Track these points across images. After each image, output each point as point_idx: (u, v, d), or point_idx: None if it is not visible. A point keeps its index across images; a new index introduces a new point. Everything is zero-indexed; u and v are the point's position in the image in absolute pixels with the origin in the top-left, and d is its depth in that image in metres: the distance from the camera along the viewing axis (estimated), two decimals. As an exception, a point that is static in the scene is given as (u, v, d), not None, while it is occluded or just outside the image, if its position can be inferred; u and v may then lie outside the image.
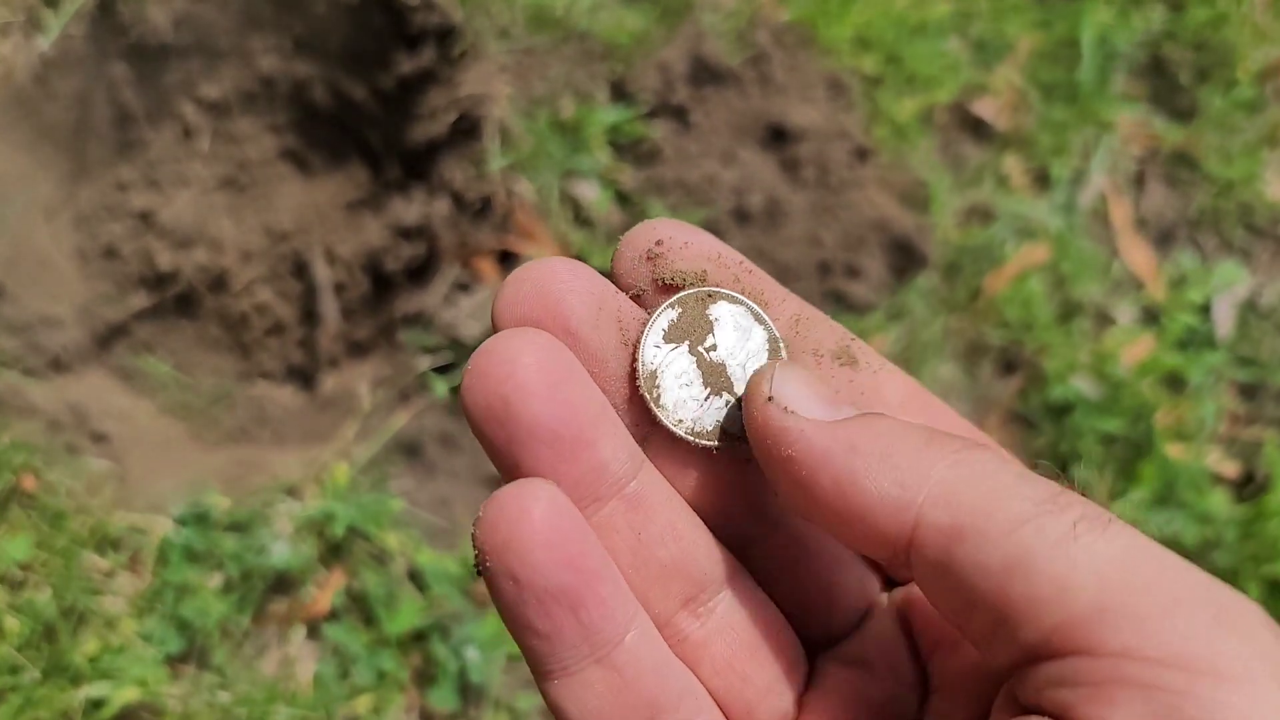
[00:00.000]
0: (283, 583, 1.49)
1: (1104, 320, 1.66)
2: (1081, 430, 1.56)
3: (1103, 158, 1.76)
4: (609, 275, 0.44)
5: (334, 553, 1.50)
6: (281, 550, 1.48)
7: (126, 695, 1.40)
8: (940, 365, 1.62)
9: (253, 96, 1.80)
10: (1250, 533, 1.49)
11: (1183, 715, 0.30)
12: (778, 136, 1.69)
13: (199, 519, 1.51)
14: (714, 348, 0.43)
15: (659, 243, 0.43)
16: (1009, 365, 1.64)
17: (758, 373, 0.40)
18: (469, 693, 1.42)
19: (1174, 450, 1.56)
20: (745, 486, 0.43)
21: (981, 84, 1.81)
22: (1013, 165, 1.77)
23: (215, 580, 1.48)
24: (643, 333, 0.43)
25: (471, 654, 1.42)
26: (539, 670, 0.40)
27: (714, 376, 0.43)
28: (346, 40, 1.76)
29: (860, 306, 1.61)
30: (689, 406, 0.43)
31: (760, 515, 0.44)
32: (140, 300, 1.77)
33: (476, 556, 0.38)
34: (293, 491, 1.56)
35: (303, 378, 1.79)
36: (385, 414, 1.63)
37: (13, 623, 1.42)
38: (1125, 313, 1.67)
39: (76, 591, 1.45)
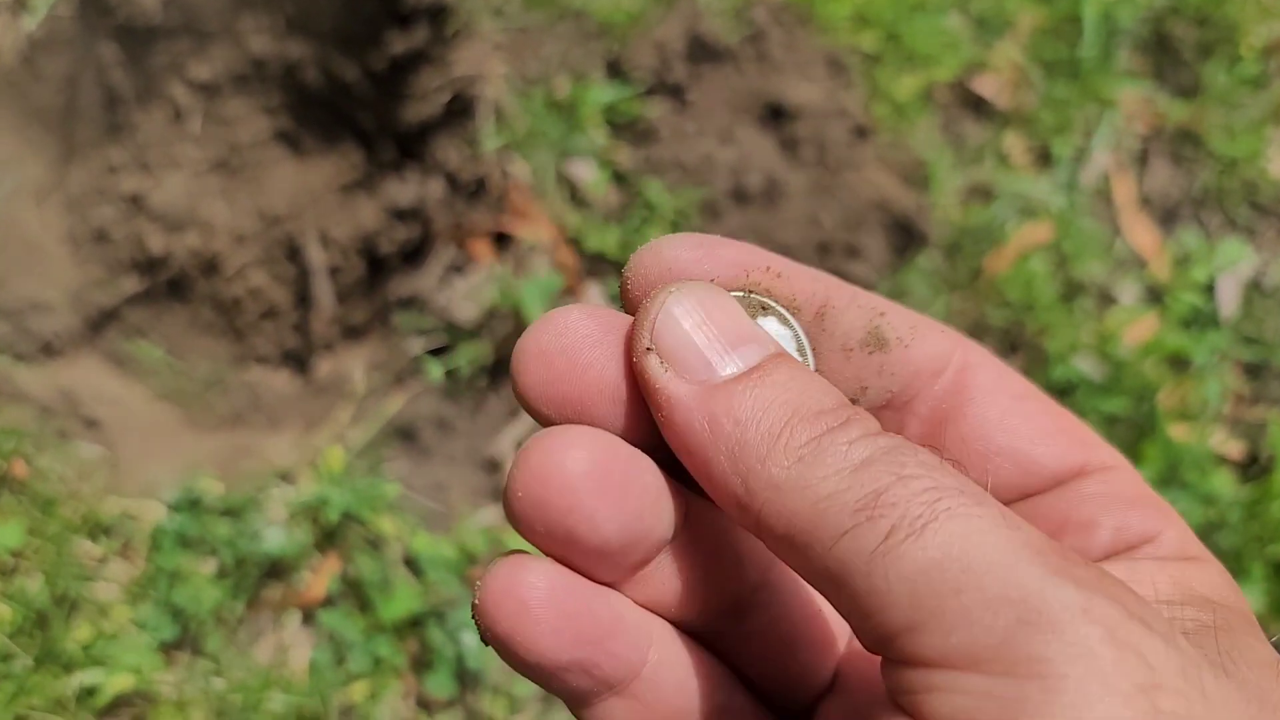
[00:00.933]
0: (277, 569, 1.48)
1: (1106, 300, 1.65)
2: (1084, 411, 1.54)
3: (1105, 135, 1.74)
4: (622, 298, 0.41)
5: (328, 538, 1.49)
6: (275, 536, 1.47)
7: (120, 682, 1.39)
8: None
9: (244, 78, 1.77)
10: (1254, 514, 1.48)
11: (983, 716, 0.30)
12: (776, 115, 1.67)
13: (192, 505, 1.49)
14: None
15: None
16: (1011, 346, 1.62)
17: (646, 303, 0.38)
18: (466, 679, 1.41)
19: (1178, 431, 1.54)
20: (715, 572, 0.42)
21: (982, 61, 1.79)
22: (1014, 143, 1.75)
23: (209, 566, 1.47)
24: None
25: (468, 640, 1.41)
26: (563, 701, 0.40)
27: None
28: (338, 20, 1.73)
29: (861, 286, 1.60)
30: None
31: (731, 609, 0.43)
32: (132, 284, 1.75)
33: (482, 635, 0.38)
34: (287, 476, 1.54)
35: (297, 362, 1.77)
36: (380, 398, 1.61)
37: (4, 610, 1.40)
38: (1128, 292, 1.65)
39: (69, 578, 1.44)
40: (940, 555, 0.31)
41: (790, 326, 0.41)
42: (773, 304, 0.41)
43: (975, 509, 0.32)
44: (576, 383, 0.39)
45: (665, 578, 0.41)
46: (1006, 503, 0.41)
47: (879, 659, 0.35)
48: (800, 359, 0.41)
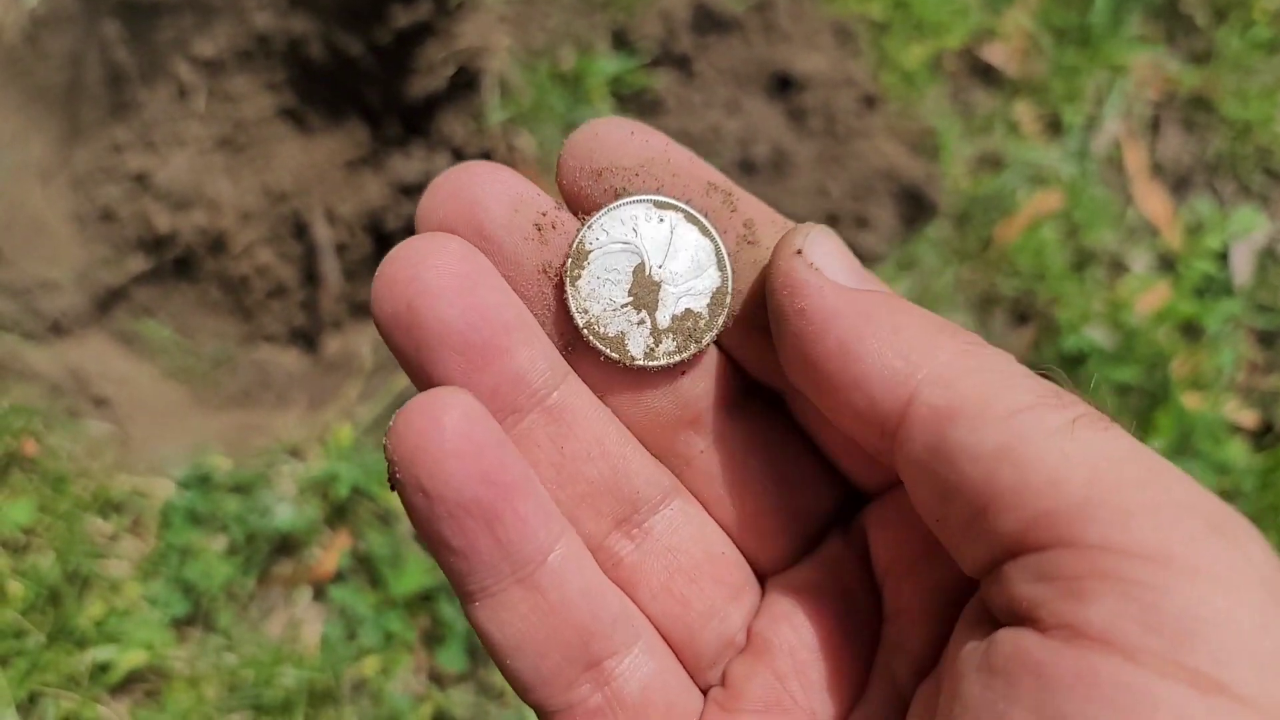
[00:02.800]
0: (287, 544, 1.48)
1: (1118, 269, 1.63)
2: (1096, 380, 1.53)
3: (1116, 102, 1.72)
4: (561, 187, 0.42)
5: (338, 514, 1.49)
6: (285, 512, 1.47)
7: (133, 658, 1.39)
8: (952, 316, 1.59)
9: (248, 54, 1.76)
10: (1269, 482, 1.47)
11: (1160, 612, 0.28)
12: (783, 85, 1.66)
13: (201, 481, 1.49)
14: (657, 265, 0.41)
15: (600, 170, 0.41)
16: (1022, 315, 1.61)
17: (791, 230, 0.39)
18: (478, 653, 1.41)
19: (1191, 400, 1.53)
20: (677, 400, 0.41)
21: (991, 29, 1.76)
22: (1024, 112, 1.73)
23: (219, 543, 1.47)
24: (581, 227, 0.41)
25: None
26: (460, 591, 0.38)
27: (643, 290, 0.41)
28: (341, -6, 1.72)
29: (870, 257, 1.58)
30: (600, 304, 0.41)
31: (696, 431, 0.42)
32: (139, 263, 1.74)
33: (389, 468, 0.36)
34: (296, 452, 1.54)
35: (305, 339, 1.77)
36: (388, 374, 1.61)
37: (17, 587, 1.41)
38: (1140, 260, 1.64)
39: (80, 555, 1.44)
40: (1129, 448, 0.31)
41: (711, 239, 0.41)
42: (688, 209, 0.41)
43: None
44: (459, 210, 0.39)
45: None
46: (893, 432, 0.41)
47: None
48: (719, 272, 0.41)
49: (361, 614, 1.42)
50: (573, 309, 0.40)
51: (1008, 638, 0.31)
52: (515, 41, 1.67)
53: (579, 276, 0.40)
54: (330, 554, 1.47)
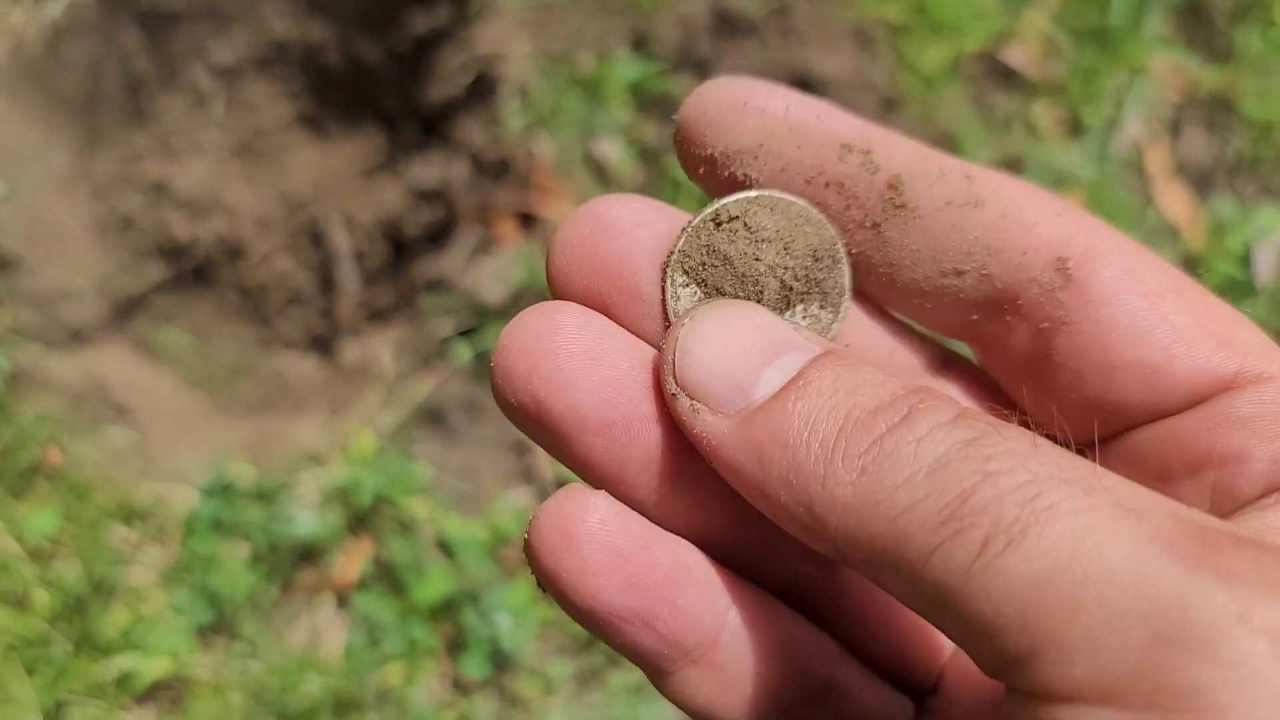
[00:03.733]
0: (310, 552, 1.48)
1: (1140, 270, 1.63)
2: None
3: (1136, 104, 1.71)
4: (687, 173, 0.38)
5: (361, 521, 1.49)
6: (308, 520, 1.47)
7: (157, 667, 1.40)
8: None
9: (266, 61, 1.77)
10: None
11: None
12: (803, 89, 1.65)
13: (224, 489, 1.49)
14: (766, 266, 0.37)
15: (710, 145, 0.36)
16: (1043, 318, 1.60)
17: (662, 344, 0.34)
18: (501, 660, 1.41)
19: (1214, 402, 1.52)
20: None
21: (1010, 31, 1.76)
22: (1043, 113, 1.72)
23: (242, 551, 1.47)
24: (668, 259, 0.36)
25: (503, 621, 1.41)
26: (640, 668, 0.36)
27: (753, 293, 0.37)
28: (359, 0, 1.72)
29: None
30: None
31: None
32: (159, 271, 1.75)
33: (535, 577, 0.35)
34: (318, 460, 1.54)
35: (324, 346, 1.77)
36: (409, 381, 1.61)
37: (42, 596, 1.41)
38: (1162, 262, 1.63)
39: (104, 564, 1.44)
40: (1048, 566, 0.25)
41: (828, 230, 0.37)
42: (799, 201, 0.37)
43: (1083, 500, 0.26)
44: (596, 275, 0.36)
45: (716, 510, 0.36)
46: (1136, 425, 0.35)
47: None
48: (838, 266, 0.37)
49: (385, 621, 1.42)
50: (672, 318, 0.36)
51: None
52: (534, 47, 1.67)
53: (678, 288, 0.36)
54: (353, 561, 1.47)
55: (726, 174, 0.37)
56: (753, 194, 0.37)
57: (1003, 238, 0.36)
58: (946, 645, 0.40)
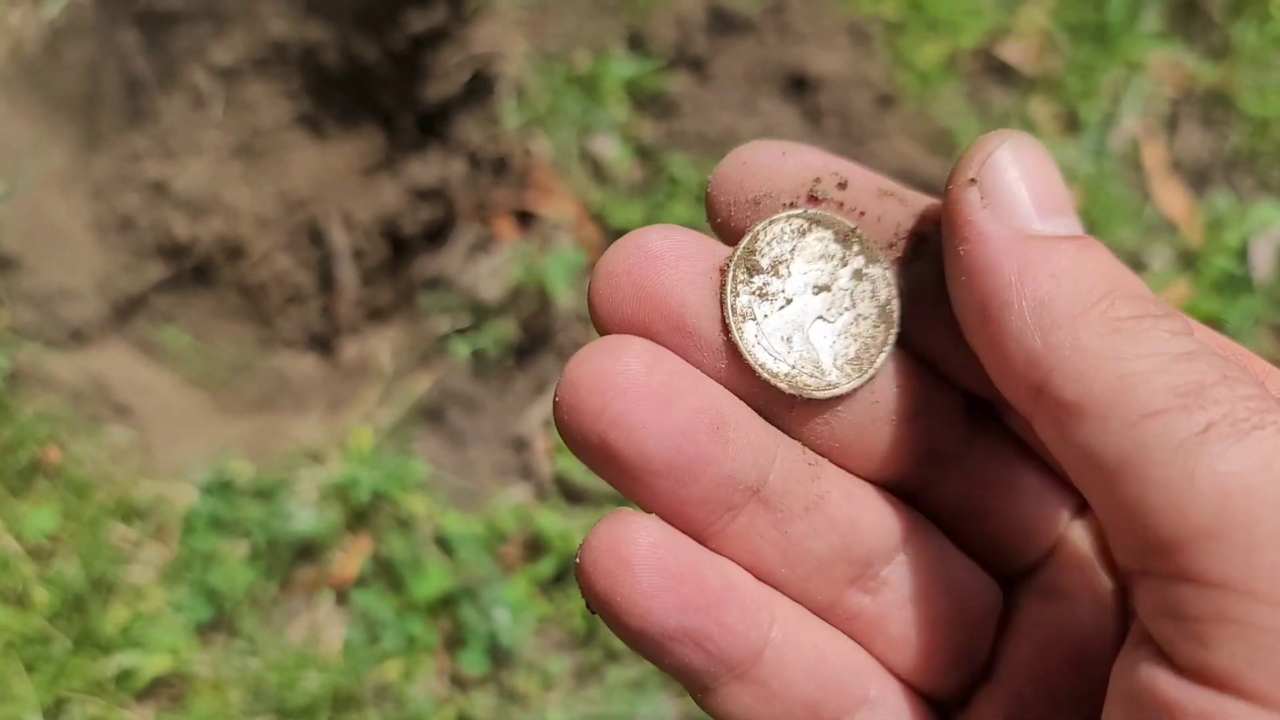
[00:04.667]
0: (309, 549, 1.48)
1: (1138, 265, 1.63)
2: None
3: (1133, 99, 1.72)
4: (714, 225, 0.39)
5: (359, 518, 1.49)
6: (307, 517, 1.47)
7: (157, 664, 1.40)
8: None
9: (264, 61, 1.77)
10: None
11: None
12: (798, 86, 1.66)
13: (223, 487, 1.50)
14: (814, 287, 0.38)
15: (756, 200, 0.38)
16: (1040, 314, 1.60)
17: (978, 142, 0.35)
18: (500, 656, 1.41)
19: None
20: (903, 433, 0.38)
21: (1006, 27, 1.76)
22: (1040, 109, 1.72)
23: (241, 548, 1.48)
24: (725, 270, 0.37)
25: (501, 617, 1.41)
26: (682, 685, 0.37)
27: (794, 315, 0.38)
28: (357, 0, 1.73)
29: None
30: (773, 347, 0.37)
31: (928, 459, 0.38)
32: (158, 271, 1.76)
33: (585, 598, 0.36)
34: (316, 457, 1.55)
35: (323, 345, 1.78)
36: (407, 378, 1.62)
37: (42, 593, 1.42)
38: (1159, 257, 1.63)
39: (104, 562, 1.45)
40: (1263, 463, 0.27)
41: (878, 261, 0.38)
42: (858, 229, 0.38)
43: None
44: (641, 306, 0.36)
45: (764, 539, 0.37)
46: None
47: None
48: (888, 298, 0.38)
49: (383, 618, 1.42)
50: (741, 349, 0.37)
51: (1145, 670, 0.29)
52: (530, 45, 1.67)
53: (737, 315, 0.37)
54: (351, 558, 1.47)
55: (766, 215, 0.38)
56: (813, 210, 0.38)
57: None
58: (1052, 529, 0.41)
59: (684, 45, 1.66)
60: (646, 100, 1.67)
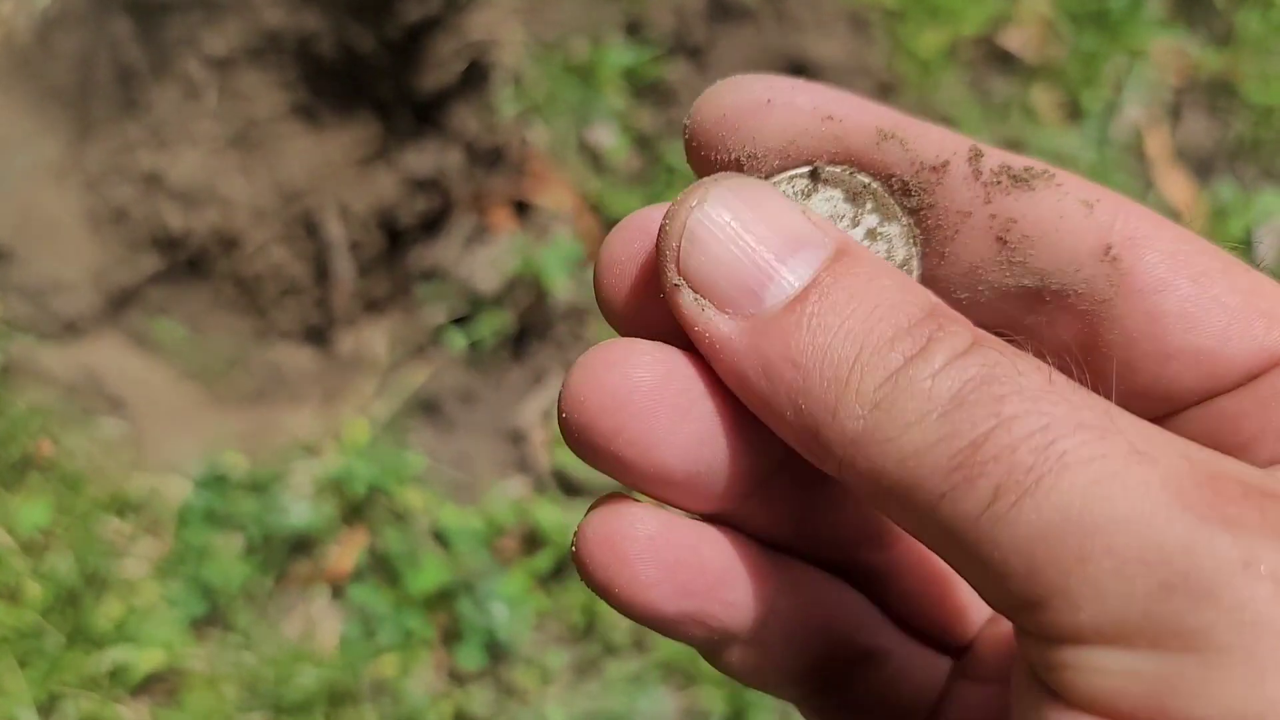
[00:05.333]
0: (304, 543, 1.47)
1: (1140, 255, 1.61)
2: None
3: (1136, 87, 1.70)
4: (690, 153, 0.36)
5: (355, 512, 1.48)
6: (302, 511, 1.46)
7: (151, 659, 1.39)
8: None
9: (259, 51, 1.76)
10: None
11: (1131, 698, 0.25)
12: (797, 74, 1.64)
13: (218, 481, 1.49)
14: None
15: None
16: (1042, 304, 1.59)
17: (665, 222, 0.31)
18: (497, 650, 1.40)
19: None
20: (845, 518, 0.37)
21: (1008, 14, 1.74)
22: (1042, 97, 1.71)
23: (236, 542, 1.47)
24: None
25: (498, 611, 1.40)
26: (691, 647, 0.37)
27: None
28: (352, -11, 1.71)
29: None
30: None
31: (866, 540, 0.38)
32: (152, 263, 1.74)
33: (585, 584, 0.35)
34: (311, 450, 1.54)
35: (319, 337, 1.76)
36: (403, 370, 1.60)
37: (35, 588, 1.41)
38: (1162, 247, 1.62)
39: (98, 556, 1.44)
40: (1058, 517, 0.25)
41: (895, 217, 0.34)
42: (872, 183, 0.34)
43: (1098, 447, 0.26)
44: (642, 293, 0.34)
45: (779, 507, 0.36)
46: (1186, 408, 0.34)
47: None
48: (907, 257, 0.34)
49: (380, 612, 1.41)
50: None
51: (1046, 708, 0.28)
52: (527, 34, 1.66)
53: None
54: (347, 552, 1.46)
55: (756, 174, 0.35)
56: (818, 168, 0.34)
57: (1043, 226, 0.34)
58: (979, 608, 0.41)
59: (682, 33, 1.65)
60: (645, 89, 1.65)
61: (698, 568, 0.34)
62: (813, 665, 0.37)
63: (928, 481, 0.27)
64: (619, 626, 1.41)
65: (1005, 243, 0.34)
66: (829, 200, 0.34)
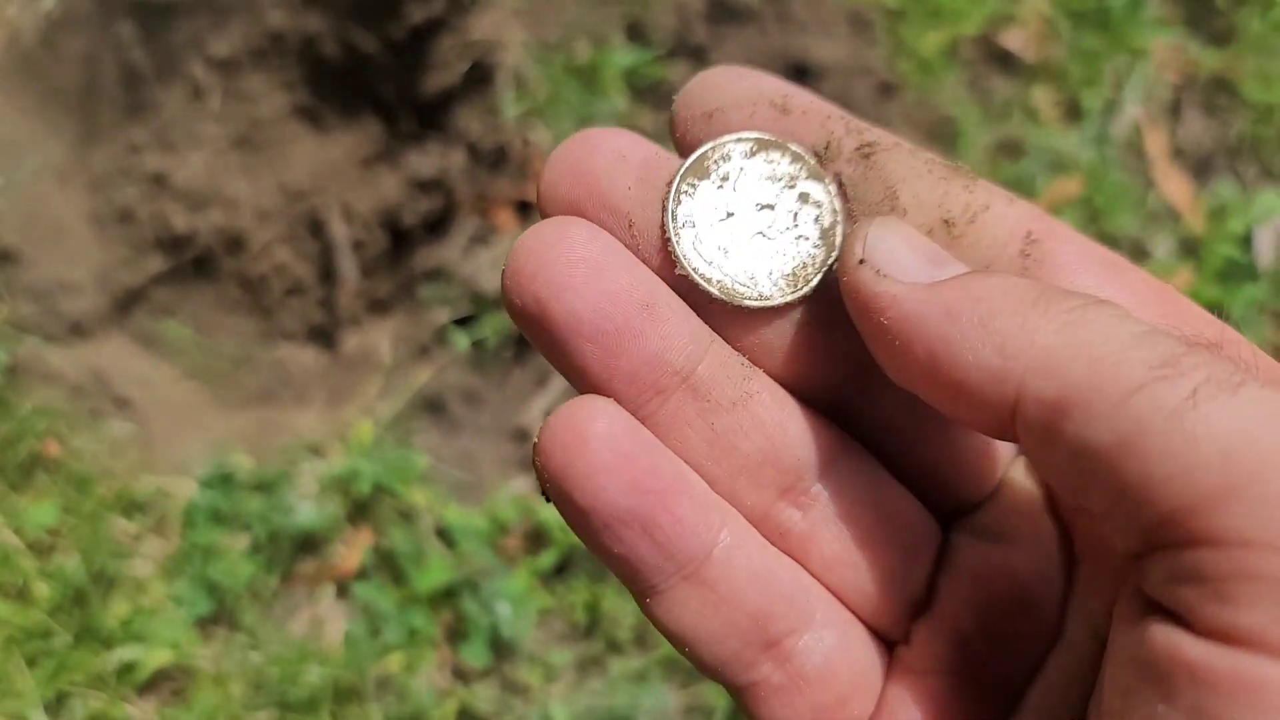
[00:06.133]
0: (310, 542, 1.48)
1: (1140, 254, 1.62)
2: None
3: (1136, 86, 1.71)
4: (675, 140, 0.40)
5: (360, 511, 1.49)
6: (307, 510, 1.47)
7: (159, 657, 1.40)
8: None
9: (262, 53, 1.76)
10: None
11: None
12: (799, 74, 1.65)
13: (224, 480, 1.50)
14: (757, 204, 0.39)
15: (712, 111, 0.39)
16: (1043, 303, 1.60)
17: (850, 233, 0.36)
18: (502, 648, 1.41)
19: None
20: (835, 347, 0.39)
21: (1008, 14, 1.75)
22: (1042, 97, 1.72)
23: (242, 541, 1.48)
24: (672, 181, 0.38)
25: (503, 609, 1.41)
26: (630, 589, 0.38)
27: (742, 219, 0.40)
28: (355, -10, 1.72)
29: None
30: (713, 254, 0.39)
31: (861, 378, 0.39)
32: (158, 263, 1.75)
33: (540, 482, 0.37)
34: (317, 450, 1.54)
35: (324, 337, 1.77)
36: (408, 370, 1.61)
37: (43, 588, 1.42)
38: (1162, 245, 1.62)
39: (105, 555, 1.44)
40: (1263, 414, 0.27)
41: (821, 180, 0.39)
42: (803, 151, 0.39)
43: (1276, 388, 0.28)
44: (587, 197, 0.38)
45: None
46: None
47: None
48: (833, 222, 0.39)
49: (385, 611, 1.42)
50: (676, 253, 0.38)
51: (1160, 634, 0.29)
52: (529, 35, 1.67)
53: (678, 222, 0.38)
54: (353, 551, 1.47)
55: (719, 127, 0.39)
56: (763, 135, 0.39)
57: (970, 209, 0.38)
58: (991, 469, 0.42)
59: (684, 34, 1.66)
60: (646, 90, 1.66)
61: (651, 469, 0.36)
62: (756, 619, 0.37)
63: (1125, 375, 0.29)
64: (622, 624, 1.42)
65: (949, 224, 0.38)
66: (770, 162, 0.39)
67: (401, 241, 1.75)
